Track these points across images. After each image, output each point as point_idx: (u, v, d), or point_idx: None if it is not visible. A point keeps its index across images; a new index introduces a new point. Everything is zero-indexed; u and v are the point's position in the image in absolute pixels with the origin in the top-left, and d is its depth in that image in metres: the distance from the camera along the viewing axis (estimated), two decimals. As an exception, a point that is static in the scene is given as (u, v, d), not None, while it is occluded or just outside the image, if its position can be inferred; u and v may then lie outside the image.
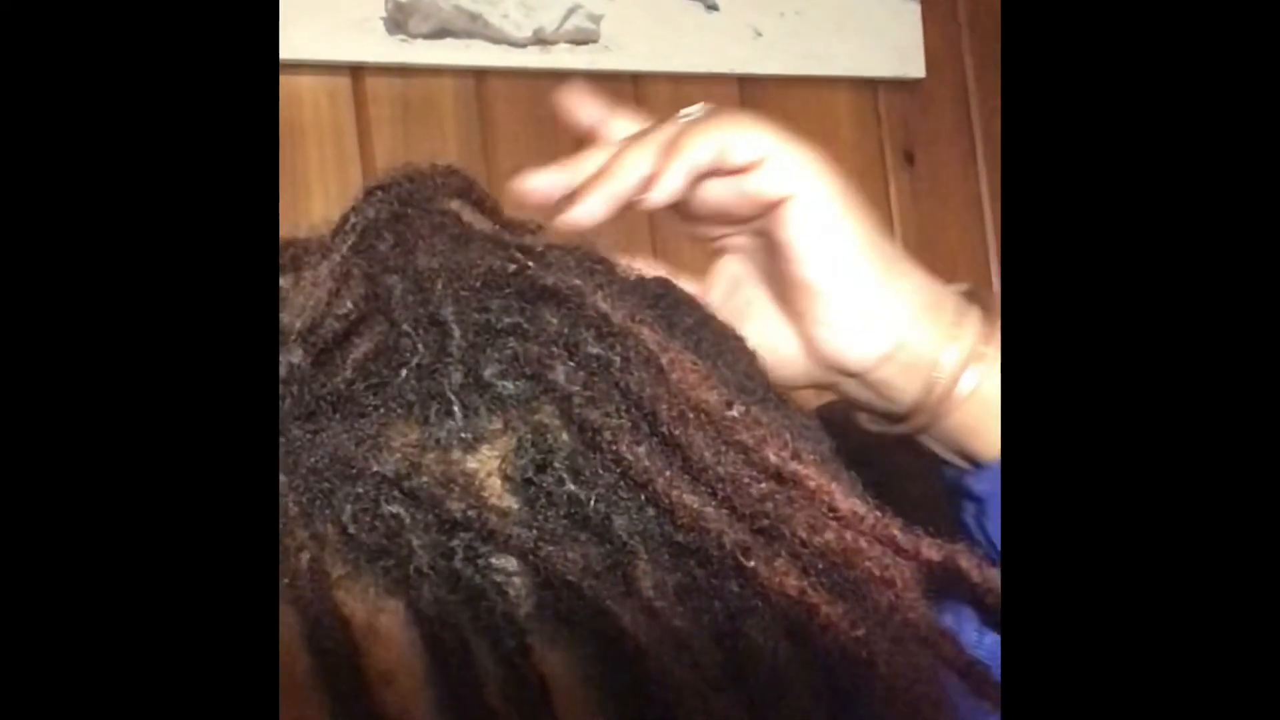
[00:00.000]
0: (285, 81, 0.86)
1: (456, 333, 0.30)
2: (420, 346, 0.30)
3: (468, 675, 0.27)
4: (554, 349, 0.30)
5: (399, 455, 0.29)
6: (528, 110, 0.96)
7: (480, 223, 0.36)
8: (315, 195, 0.87)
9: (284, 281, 0.32)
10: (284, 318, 0.30)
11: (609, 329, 0.31)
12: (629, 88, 1.02)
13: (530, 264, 0.32)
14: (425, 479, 0.28)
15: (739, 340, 0.37)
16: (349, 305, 0.31)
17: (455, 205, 0.35)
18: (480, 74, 0.94)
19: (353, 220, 0.33)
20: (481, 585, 0.28)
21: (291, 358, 0.30)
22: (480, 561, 0.28)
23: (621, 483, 0.29)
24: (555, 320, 0.31)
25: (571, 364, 0.30)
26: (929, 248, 1.17)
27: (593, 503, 0.29)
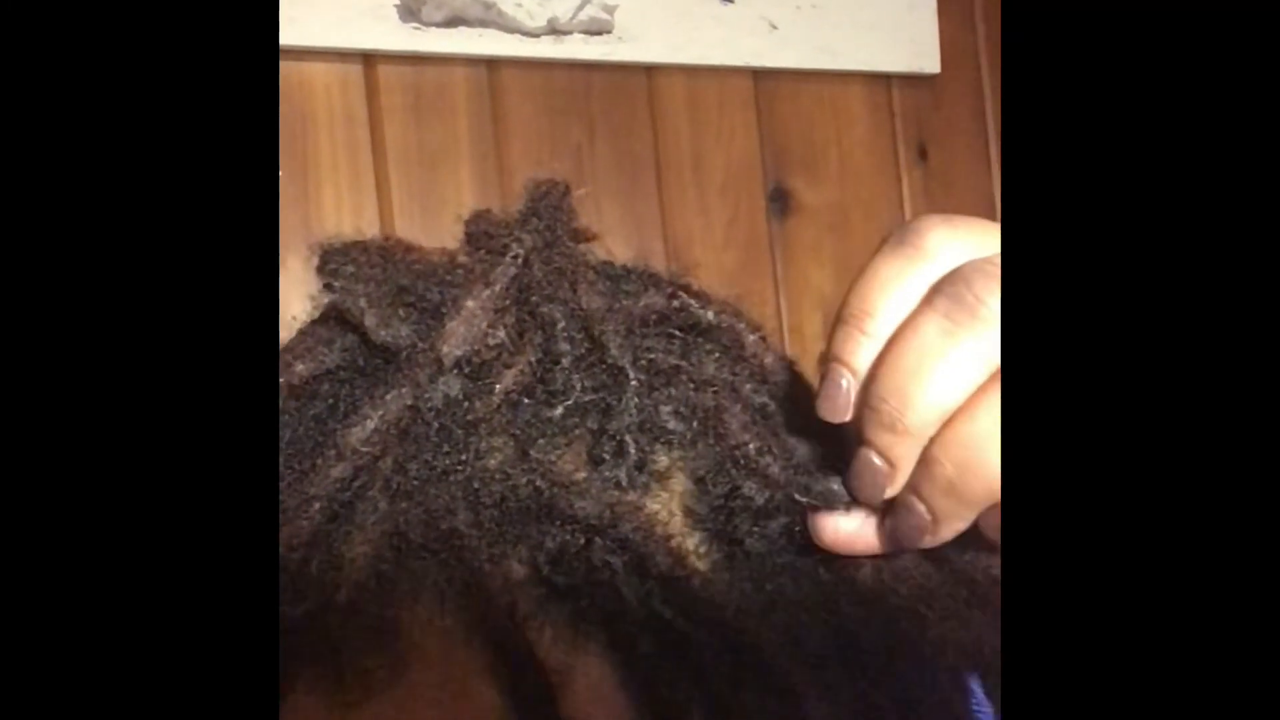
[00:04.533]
0: (297, 69, 0.86)
1: (633, 378, 0.30)
2: (579, 384, 0.30)
3: None
4: (724, 397, 0.31)
5: (592, 500, 0.28)
6: (541, 100, 0.96)
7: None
8: (326, 183, 0.87)
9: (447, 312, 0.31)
10: (443, 348, 0.30)
11: (765, 373, 0.32)
12: (643, 79, 1.01)
13: (693, 302, 0.32)
14: (627, 527, 0.28)
15: None
16: (502, 336, 0.30)
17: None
18: (493, 63, 0.94)
19: (514, 250, 0.32)
20: (692, 629, 0.27)
21: (450, 389, 0.30)
22: (686, 604, 0.28)
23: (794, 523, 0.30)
24: (713, 365, 0.31)
25: (741, 412, 0.30)
26: (941, 244, 1.16)
27: (796, 525, 0.29)
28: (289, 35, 0.83)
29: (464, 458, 0.29)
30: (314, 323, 0.33)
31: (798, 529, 0.30)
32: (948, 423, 0.27)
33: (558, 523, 0.28)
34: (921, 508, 0.28)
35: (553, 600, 0.28)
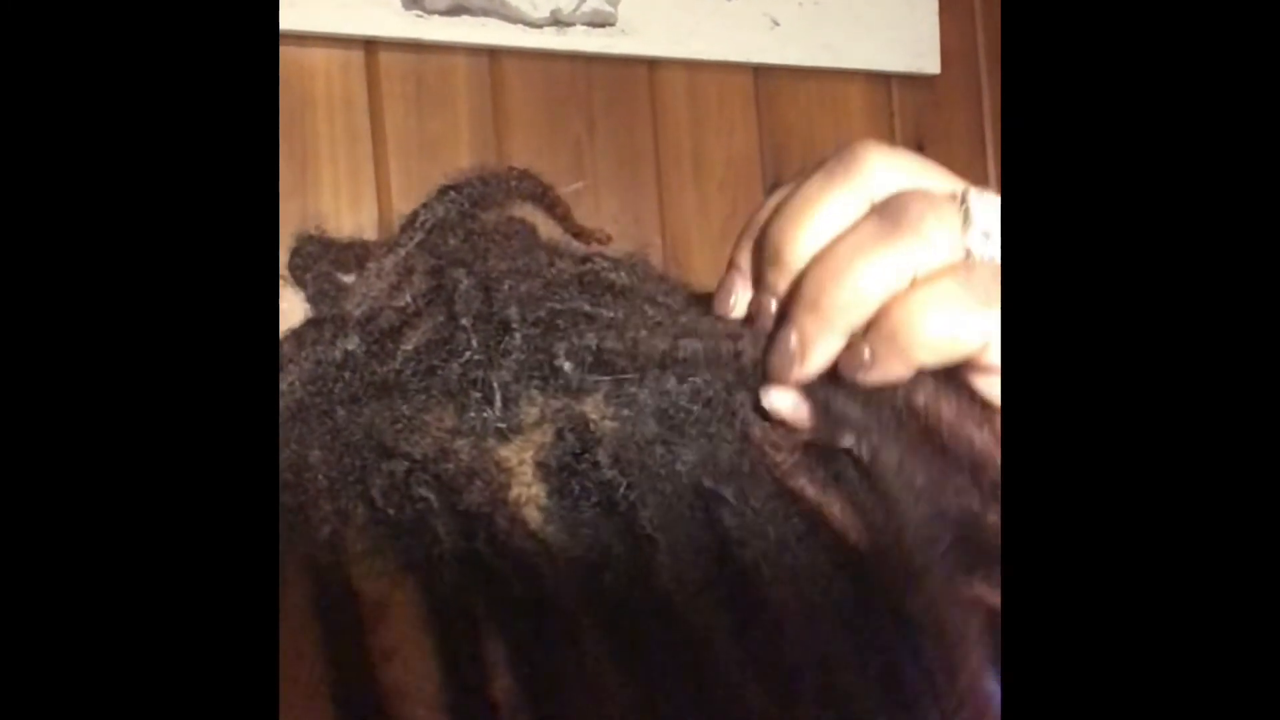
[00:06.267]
0: (298, 53, 0.86)
1: (519, 332, 0.30)
2: (475, 341, 0.30)
3: (476, 659, 0.27)
4: (619, 340, 0.31)
5: (430, 439, 0.29)
6: (542, 91, 0.96)
7: (552, 229, 0.36)
8: (324, 168, 0.87)
9: (349, 276, 0.33)
10: (345, 306, 0.31)
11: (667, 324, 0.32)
12: (644, 73, 1.01)
13: (605, 265, 0.33)
14: (452, 464, 0.28)
15: None
16: (408, 299, 0.31)
17: (528, 210, 0.36)
18: (495, 53, 0.94)
19: (422, 217, 0.33)
20: (501, 569, 0.28)
21: (348, 345, 0.31)
22: (501, 545, 0.28)
23: (665, 476, 0.30)
24: (619, 313, 0.32)
25: (634, 354, 0.31)
26: (937, 245, 1.16)
27: (623, 489, 0.29)
28: (290, 20, 0.83)
29: (357, 410, 0.30)
30: None
31: (646, 500, 0.30)
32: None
33: (389, 458, 0.29)
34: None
35: (384, 536, 0.28)
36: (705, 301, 0.35)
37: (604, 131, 0.99)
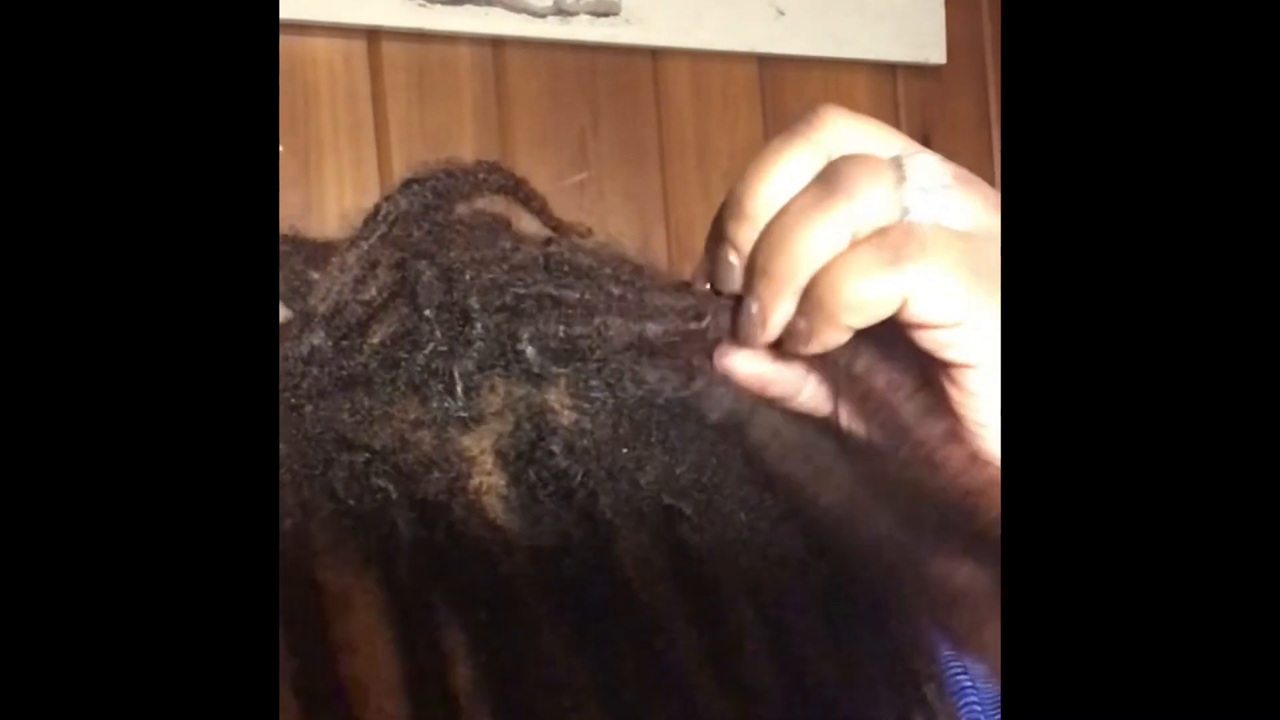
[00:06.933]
0: (300, 43, 0.86)
1: (479, 321, 0.31)
2: (438, 332, 0.31)
3: (435, 647, 0.27)
4: (586, 325, 0.31)
5: (390, 430, 0.29)
6: (545, 81, 0.96)
7: (528, 222, 0.36)
8: (327, 158, 0.87)
9: (316, 273, 0.33)
10: (310, 301, 0.31)
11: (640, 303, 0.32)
12: (648, 62, 1.01)
13: (568, 247, 0.33)
14: (411, 455, 0.28)
15: None
16: (373, 292, 0.31)
17: (500, 204, 0.36)
18: (498, 43, 0.94)
19: (385, 210, 0.33)
20: (459, 557, 0.28)
21: (314, 339, 0.31)
22: (459, 534, 0.28)
23: (617, 461, 0.30)
24: (585, 294, 0.32)
25: (600, 338, 0.31)
26: (942, 236, 1.16)
27: (580, 477, 0.29)
28: (293, 9, 0.83)
29: (325, 404, 0.30)
30: None
31: (605, 487, 0.30)
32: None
33: (349, 449, 0.29)
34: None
35: (345, 528, 0.29)
36: (673, 286, 0.35)
37: (608, 121, 0.99)
